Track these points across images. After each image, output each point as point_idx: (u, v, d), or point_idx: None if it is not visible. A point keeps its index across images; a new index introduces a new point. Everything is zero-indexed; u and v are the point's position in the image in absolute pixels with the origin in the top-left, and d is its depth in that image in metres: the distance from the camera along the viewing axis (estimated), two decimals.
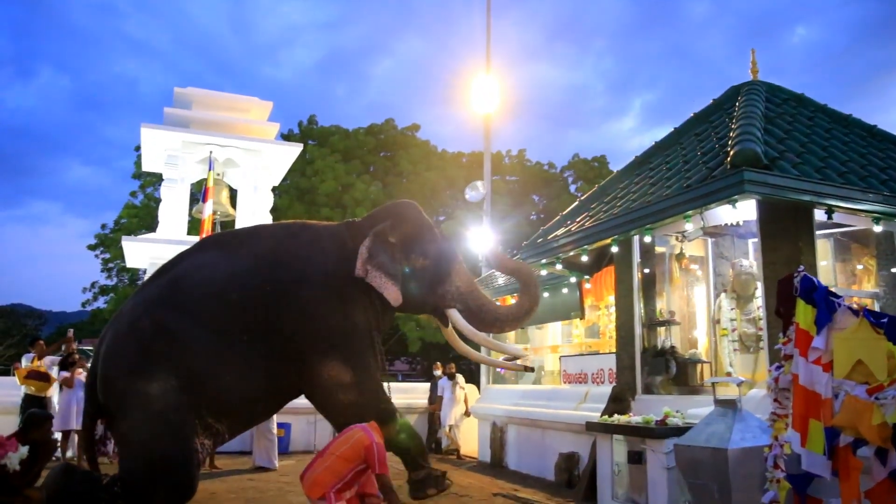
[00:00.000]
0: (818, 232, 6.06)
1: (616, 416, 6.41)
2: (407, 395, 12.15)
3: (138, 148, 18.86)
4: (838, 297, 3.67)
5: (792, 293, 3.83)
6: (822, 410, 3.48)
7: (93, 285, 28.12)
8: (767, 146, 5.93)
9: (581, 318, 9.87)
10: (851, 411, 3.30)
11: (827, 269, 7.23)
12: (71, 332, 9.90)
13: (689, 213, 6.08)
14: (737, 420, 4.45)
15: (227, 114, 13.36)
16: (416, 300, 6.25)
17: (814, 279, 3.78)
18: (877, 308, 6.68)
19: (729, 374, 7.30)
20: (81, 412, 6.51)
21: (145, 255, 12.24)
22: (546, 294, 10.03)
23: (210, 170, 12.26)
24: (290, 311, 5.65)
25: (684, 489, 4.88)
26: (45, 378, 8.77)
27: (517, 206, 26.43)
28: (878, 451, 3.22)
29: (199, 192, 13.13)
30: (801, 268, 3.94)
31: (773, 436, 3.89)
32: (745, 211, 6.20)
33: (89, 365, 6.06)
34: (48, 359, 9.24)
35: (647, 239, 7.20)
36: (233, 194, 13.83)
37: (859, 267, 7.49)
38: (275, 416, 8.72)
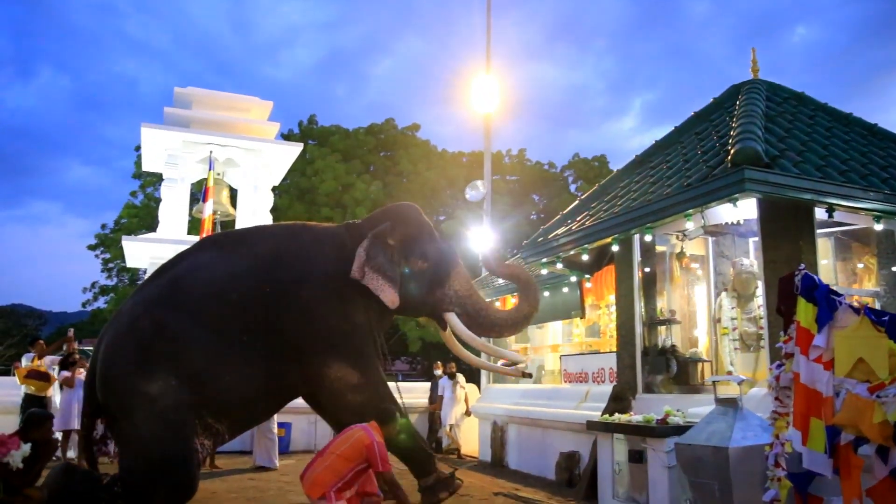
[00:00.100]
0: (819, 230, 6.06)
1: (617, 415, 6.40)
2: (408, 394, 12.11)
3: (138, 148, 18.86)
4: (839, 295, 3.67)
5: (793, 291, 3.83)
6: (824, 409, 3.47)
7: (93, 285, 28.17)
8: (768, 145, 5.92)
9: (581, 318, 9.87)
10: (853, 409, 3.29)
11: (828, 267, 7.23)
12: (71, 332, 9.89)
13: (690, 211, 6.08)
14: (738, 419, 4.45)
15: (227, 113, 13.35)
16: (415, 303, 6.24)
17: (815, 277, 3.77)
18: (877, 307, 6.68)
19: (730, 372, 7.29)
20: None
21: (145, 254, 12.24)
22: (546, 293, 10.03)
23: (210, 169, 12.25)
24: (291, 312, 5.65)
25: (685, 488, 4.88)
26: (44, 378, 8.76)
27: (517, 205, 26.43)
28: (879, 450, 3.22)
29: (199, 192, 13.12)
30: (803, 266, 3.94)
31: (774, 434, 3.89)
32: (745, 210, 6.20)
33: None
34: (48, 358, 9.23)
35: (648, 238, 7.20)
36: (233, 194, 13.83)
37: (860, 266, 7.48)
38: (275, 416, 8.71)
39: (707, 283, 8.20)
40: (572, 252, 7.82)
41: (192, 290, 5.61)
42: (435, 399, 11.81)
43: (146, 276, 11.51)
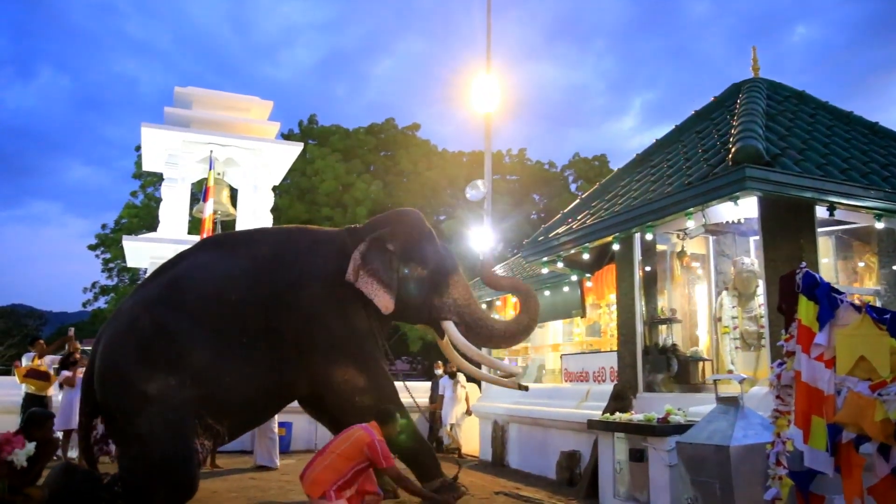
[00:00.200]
0: (820, 229, 6.05)
1: (618, 414, 6.39)
2: (408, 394, 12.10)
3: (139, 148, 18.86)
4: (841, 293, 3.66)
5: (794, 289, 3.83)
6: (825, 407, 3.47)
7: (93, 285, 28.17)
8: (769, 143, 5.92)
9: (582, 317, 9.86)
10: (854, 408, 3.29)
11: (828, 266, 7.21)
12: (72, 331, 9.88)
13: (691, 210, 6.07)
14: (739, 417, 4.45)
15: (227, 113, 13.35)
16: (412, 309, 6.22)
17: (816, 275, 3.77)
18: (878, 306, 6.67)
19: (731, 371, 7.28)
20: None
21: (146, 254, 12.24)
22: (547, 292, 10.03)
23: (210, 169, 12.25)
24: (290, 314, 5.66)
25: (686, 487, 4.87)
26: (44, 377, 8.76)
27: (518, 205, 26.42)
28: (880, 448, 3.21)
29: (199, 192, 13.12)
30: (804, 264, 3.93)
31: (775, 433, 3.89)
32: (746, 208, 6.19)
33: None
34: (48, 358, 9.22)
35: (649, 237, 7.19)
36: (233, 194, 13.82)
37: (861, 264, 7.47)
38: (276, 415, 8.70)
39: (708, 282, 8.19)
40: (573, 251, 7.82)
41: (191, 290, 5.60)
42: (436, 398, 11.81)
43: (146, 276, 11.52)
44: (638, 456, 5.72)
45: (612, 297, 8.63)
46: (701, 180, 5.84)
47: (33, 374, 8.72)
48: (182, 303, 5.50)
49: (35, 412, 6.19)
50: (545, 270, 9.03)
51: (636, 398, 7.08)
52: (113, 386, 5.26)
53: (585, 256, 8.13)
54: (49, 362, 9.12)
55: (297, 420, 10.87)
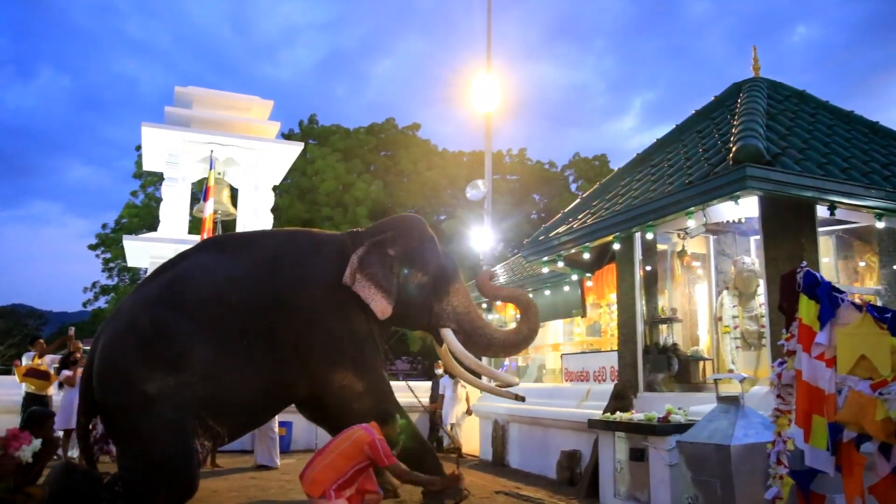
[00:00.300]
0: (820, 229, 6.05)
1: (618, 413, 6.39)
2: (408, 393, 12.10)
3: (139, 147, 18.86)
4: (842, 292, 3.66)
5: (795, 289, 3.82)
6: (826, 406, 3.47)
7: (94, 285, 28.17)
8: (769, 142, 5.92)
9: (583, 316, 9.86)
10: (855, 407, 3.28)
11: (829, 265, 7.21)
12: (72, 331, 9.87)
13: (691, 209, 6.07)
14: (739, 416, 4.45)
15: (227, 113, 13.35)
16: (411, 315, 6.21)
17: (817, 274, 3.77)
18: (879, 305, 6.67)
19: (731, 370, 7.28)
20: None
21: (146, 254, 12.24)
22: (547, 292, 10.03)
23: (211, 169, 12.25)
24: (290, 316, 5.65)
25: (687, 486, 4.87)
26: (44, 376, 8.76)
27: (518, 204, 26.42)
28: (881, 447, 3.21)
29: (200, 192, 13.12)
30: (804, 263, 3.93)
31: (776, 432, 3.88)
32: (746, 208, 6.19)
33: None
34: (48, 357, 9.23)
35: (649, 236, 7.19)
36: (234, 193, 13.83)
37: (861, 264, 7.47)
38: (276, 415, 8.70)
39: (708, 282, 8.19)
40: (573, 250, 7.82)
41: (191, 290, 5.59)
42: (436, 398, 11.80)
43: (146, 275, 11.53)
44: (638, 455, 5.72)
45: (613, 297, 8.63)
46: (701, 180, 5.83)
47: (33, 374, 8.72)
48: (182, 303, 5.49)
49: (35, 411, 6.18)
50: (545, 270, 9.03)
51: (637, 398, 7.08)
52: (112, 385, 5.25)
53: (586, 256, 8.13)
54: (49, 362, 9.13)
55: (298, 420, 10.82)
